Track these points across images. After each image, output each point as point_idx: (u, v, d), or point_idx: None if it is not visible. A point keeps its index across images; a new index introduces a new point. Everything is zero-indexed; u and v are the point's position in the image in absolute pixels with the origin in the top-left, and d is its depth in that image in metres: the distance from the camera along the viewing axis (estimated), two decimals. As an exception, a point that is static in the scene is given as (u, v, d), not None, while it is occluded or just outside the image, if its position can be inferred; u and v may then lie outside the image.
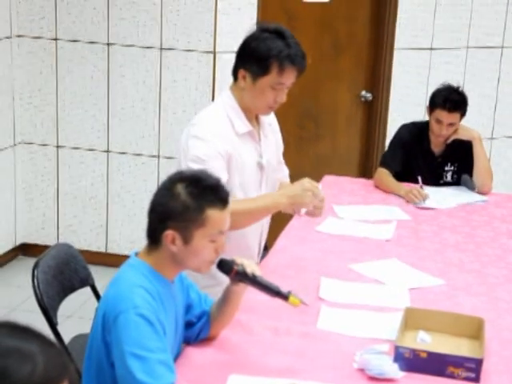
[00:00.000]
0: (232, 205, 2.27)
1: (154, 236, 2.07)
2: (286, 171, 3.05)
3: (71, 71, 4.69)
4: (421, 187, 3.79)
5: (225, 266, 2.19)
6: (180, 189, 2.03)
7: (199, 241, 2.03)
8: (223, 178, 2.52)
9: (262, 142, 2.80)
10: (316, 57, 4.83)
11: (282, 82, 2.61)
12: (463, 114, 3.88)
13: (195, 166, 2.51)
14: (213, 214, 2.03)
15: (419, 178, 3.83)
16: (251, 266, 2.19)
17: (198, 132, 2.62)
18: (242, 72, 2.63)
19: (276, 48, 2.57)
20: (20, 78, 4.74)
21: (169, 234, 2.02)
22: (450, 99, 3.82)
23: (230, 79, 4.51)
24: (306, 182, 2.57)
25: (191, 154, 2.59)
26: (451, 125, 3.86)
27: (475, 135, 3.92)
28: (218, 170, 2.51)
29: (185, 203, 2.01)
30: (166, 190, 2.07)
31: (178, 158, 2.70)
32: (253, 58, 2.59)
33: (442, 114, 3.84)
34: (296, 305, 2.18)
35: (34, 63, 4.72)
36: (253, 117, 2.75)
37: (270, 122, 2.88)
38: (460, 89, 3.93)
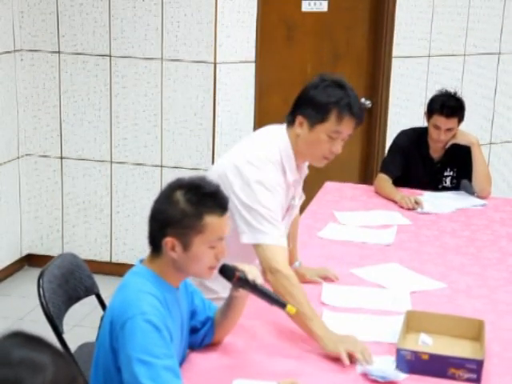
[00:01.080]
0: (303, 296, 2.35)
1: (155, 243, 2.09)
2: (297, 210, 2.94)
3: (74, 83, 4.74)
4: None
5: (227, 272, 2.22)
6: (179, 196, 2.05)
7: (199, 247, 2.06)
8: (282, 230, 2.55)
9: (298, 187, 2.78)
10: (315, 65, 4.89)
11: (339, 131, 2.56)
12: (461, 119, 3.92)
13: (263, 211, 2.49)
14: (212, 220, 2.05)
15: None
16: (252, 273, 2.22)
17: (263, 179, 2.54)
18: (299, 118, 2.59)
19: (336, 96, 2.55)
20: (23, 91, 4.79)
21: (168, 241, 2.04)
22: (447, 105, 3.86)
23: (230, 88, 4.59)
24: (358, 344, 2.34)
25: (257, 200, 2.51)
26: (449, 130, 3.89)
27: (473, 140, 3.96)
28: (279, 220, 2.54)
29: (184, 210, 2.03)
30: (165, 197, 2.08)
31: (219, 179, 2.53)
32: (312, 105, 2.56)
33: (440, 120, 3.88)
34: (292, 313, 2.21)
35: (37, 76, 4.77)
36: (300, 164, 2.72)
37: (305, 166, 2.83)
38: (457, 94, 3.97)
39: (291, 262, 2.87)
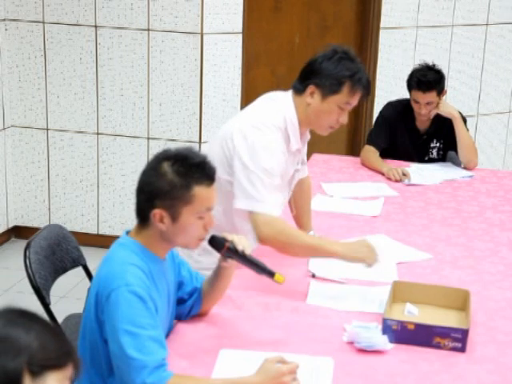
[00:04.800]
0: (302, 236, 2.51)
1: (143, 215, 2.08)
2: (306, 172, 3.03)
3: (59, 54, 4.70)
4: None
5: (216, 243, 2.22)
6: (166, 167, 2.04)
7: (187, 218, 2.05)
8: (281, 192, 2.61)
9: (301, 153, 2.84)
10: (303, 36, 4.87)
11: (349, 103, 2.64)
12: (440, 91, 3.91)
13: (263, 177, 2.52)
14: (200, 191, 2.05)
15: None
16: (242, 243, 2.22)
17: (267, 143, 2.57)
18: (311, 88, 2.62)
19: (350, 69, 2.61)
20: (8, 61, 4.74)
21: (157, 212, 2.04)
22: (423, 80, 3.86)
23: (217, 59, 4.57)
24: (372, 249, 2.51)
25: (258, 163, 2.54)
26: (429, 104, 3.90)
27: (455, 113, 3.95)
28: (278, 186, 2.58)
29: (171, 181, 2.03)
30: (152, 169, 2.07)
31: (222, 152, 2.62)
32: (325, 76, 2.60)
33: (418, 95, 3.89)
34: (280, 282, 2.22)
35: (21, 47, 4.72)
36: (304, 132, 2.75)
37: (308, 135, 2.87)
38: (436, 66, 3.95)
39: (303, 230, 2.91)
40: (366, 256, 2.47)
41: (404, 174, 3.76)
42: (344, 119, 2.68)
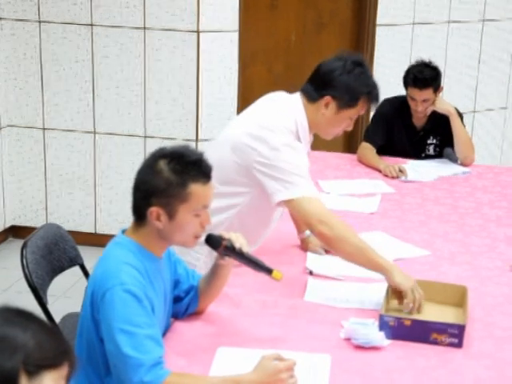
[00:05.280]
0: (360, 243, 2.45)
1: (139, 213, 2.09)
2: None
3: (55, 53, 4.69)
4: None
5: (213, 241, 2.21)
6: (162, 165, 2.04)
7: (183, 216, 2.05)
8: (313, 184, 2.61)
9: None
10: (299, 34, 4.87)
11: (360, 114, 2.73)
12: (436, 88, 3.91)
13: (291, 167, 2.53)
14: (196, 188, 2.05)
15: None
16: (239, 241, 2.22)
17: (289, 142, 2.58)
18: (327, 99, 2.64)
19: (369, 86, 2.66)
20: (4, 60, 4.74)
21: (153, 210, 2.04)
22: (419, 77, 3.87)
23: (214, 57, 4.56)
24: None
25: (283, 160, 2.53)
26: (425, 101, 3.90)
27: (451, 110, 3.96)
28: (309, 177, 2.60)
29: (168, 179, 2.03)
30: (148, 167, 2.07)
31: (238, 155, 2.59)
32: (344, 90, 2.63)
33: (414, 92, 3.89)
34: (278, 279, 2.22)
35: (17, 46, 4.71)
36: (310, 135, 2.77)
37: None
38: (432, 63, 3.96)
39: (300, 230, 2.91)
40: (414, 287, 2.37)
41: (401, 171, 3.77)
42: (350, 127, 2.75)
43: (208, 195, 2.09)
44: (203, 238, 2.19)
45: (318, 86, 2.67)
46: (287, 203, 2.55)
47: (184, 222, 2.06)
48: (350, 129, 2.75)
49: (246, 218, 2.65)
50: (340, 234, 2.48)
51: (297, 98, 2.69)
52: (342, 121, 2.68)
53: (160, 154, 2.08)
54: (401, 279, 2.37)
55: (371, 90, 2.66)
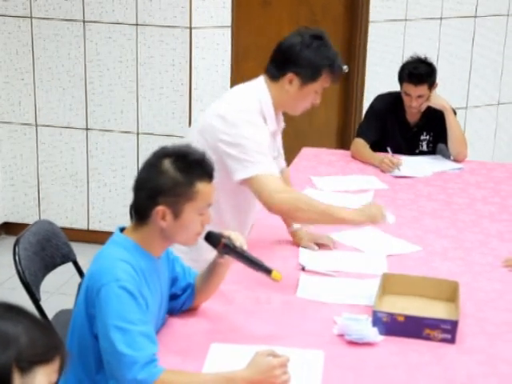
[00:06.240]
0: (304, 195, 2.53)
1: (142, 213, 2.08)
2: (283, 163, 3.06)
3: (47, 49, 4.68)
4: (391, 156, 3.85)
5: (213, 239, 2.21)
6: (167, 164, 2.04)
7: (189, 215, 2.06)
8: (272, 161, 2.63)
9: (277, 139, 2.87)
10: (292, 30, 4.83)
11: (324, 87, 2.73)
12: (431, 84, 3.92)
13: (251, 144, 2.56)
14: (202, 187, 2.06)
15: (389, 149, 3.89)
16: (239, 240, 2.22)
17: (248, 117, 2.62)
18: (290, 76, 2.67)
19: (329, 58, 2.67)
20: (-4, 57, 4.73)
21: (160, 209, 2.03)
22: (414, 73, 3.87)
23: (206, 54, 4.55)
24: (381, 208, 2.67)
25: (243, 136, 2.58)
26: (420, 97, 3.91)
27: (446, 105, 3.96)
28: (269, 153, 2.61)
29: (175, 178, 2.03)
30: (152, 166, 2.07)
31: (203, 138, 2.65)
32: (305, 65, 2.65)
33: (409, 88, 3.89)
34: (277, 280, 2.22)
35: (9, 42, 4.70)
36: (278, 114, 2.79)
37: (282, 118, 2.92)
38: (427, 59, 3.96)
39: (289, 224, 2.92)
40: (374, 216, 2.60)
41: (394, 163, 3.76)
42: (318, 101, 2.76)
43: (212, 193, 2.11)
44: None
45: (279, 64, 2.71)
46: (246, 182, 2.58)
47: (189, 221, 2.07)
48: (317, 102, 2.76)
49: (222, 204, 2.67)
50: (299, 204, 2.55)
51: (260, 79, 2.75)
52: (307, 96, 2.71)
53: (163, 153, 2.08)
54: (368, 220, 2.59)
55: (332, 62, 2.68)
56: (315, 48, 2.66)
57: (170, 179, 2.03)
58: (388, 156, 3.84)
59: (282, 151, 3.02)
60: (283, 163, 3.04)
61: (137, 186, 2.10)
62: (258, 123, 2.64)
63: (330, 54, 2.68)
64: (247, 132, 2.59)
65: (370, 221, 2.61)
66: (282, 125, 2.89)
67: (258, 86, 2.72)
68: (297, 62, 2.66)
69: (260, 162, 2.56)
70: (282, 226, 2.98)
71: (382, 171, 3.79)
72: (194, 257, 2.56)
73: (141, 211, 2.09)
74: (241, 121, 2.60)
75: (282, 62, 2.69)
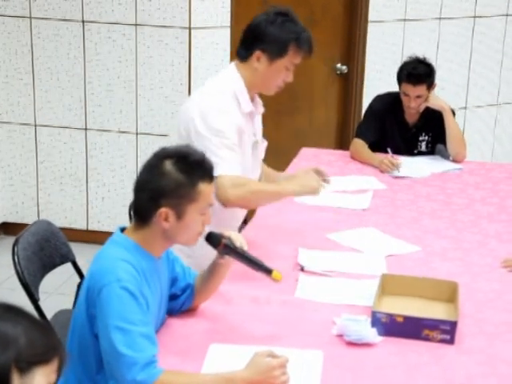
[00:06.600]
0: (253, 183, 2.57)
1: (144, 214, 2.07)
2: (262, 154, 3.07)
3: (46, 50, 4.68)
4: (391, 157, 3.85)
5: (213, 240, 2.21)
6: (169, 165, 2.04)
7: (191, 215, 2.06)
8: (238, 152, 2.66)
9: (255, 121, 2.88)
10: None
11: (295, 63, 2.73)
12: (430, 84, 3.92)
13: (214, 139, 2.60)
14: (204, 187, 2.06)
15: (389, 150, 3.89)
16: (239, 240, 2.22)
17: (215, 104, 2.67)
18: (257, 53, 2.70)
19: (294, 32, 2.69)
20: (-5, 57, 4.73)
21: (163, 212, 2.03)
22: (413, 73, 3.87)
23: (206, 54, 4.55)
24: (317, 173, 2.76)
25: (210, 125, 2.63)
26: (418, 97, 3.91)
27: (444, 106, 3.97)
28: (235, 143, 2.65)
29: (177, 180, 2.03)
30: (153, 168, 2.07)
31: (182, 128, 2.72)
32: (271, 41, 2.68)
33: (408, 88, 3.89)
34: (278, 280, 2.22)
35: (8, 42, 4.69)
36: (252, 96, 2.81)
37: (260, 102, 2.94)
38: (426, 60, 3.97)
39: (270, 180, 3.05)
40: (313, 189, 2.69)
41: (394, 164, 3.76)
42: (291, 78, 2.77)
43: (212, 193, 2.12)
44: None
45: (246, 44, 2.75)
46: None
47: (191, 221, 2.07)
48: (289, 80, 2.76)
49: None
50: (249, 196, 2.62)
51: (231, 64, 2.80)
52: (277, 72, 2.72)
53: (164, 155, 2.08)
54: (302, 190, 2.69)
55: (299, 36, 2.69)
56: (280, 23, 2.69)
57: (173, 181, 2.03)
58: (388, 157, 3.84)
59: (265, 141, 3.02)
60: (262, 153, 3.03)
61: (138, 187, 2.10)
62: (227, 109, 2.67)
63: (296, 29, 2.70)
64: (214, 121, 2.63)
65: (310, 192, 2.71)
66: (261, 109, 2.91)
67: (229, 71, 2.77)
68: (262, 38, 2.69)
69: (223, 159, 2.58)
70: (281, 227, 2.98)
71: (381, 171, 3.79)
72: (189, 252, 2.56)
73: (142, 213, 2.08)
74: (209, 109, 2.64)
75: (249, 41, 2.73)
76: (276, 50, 2.68)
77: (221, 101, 2.68)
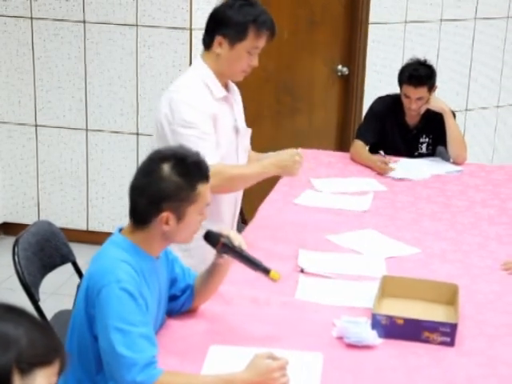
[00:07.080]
0: (228, 169, 2.60)
1: (144, 218, 2.07)
2: (247, 141, 3.08)
3: (48, 50, 4.68)
4: (384, 157, 3.86)
5: (211, 238, 2.22)
6: (167, 169, 2.03)
7: (191, 216, 2.07)
8: (213, 140, 2.69)
9: (234, 107, 2.90)
10: (291, 31, 4.86)
11: (257, 46, 2.75)
12: (431, 86, 3.92)
13: (185, 131, 2.64)
14: (203, 188, 2.07)
15: (381, 152, 3.90)
16: (238, 239, 2.22)
17: (182, 97, 2.71)
18: (218, 39, 2.73)
19: (252, 14, 2.71)
20: (-4, 57, 4.72)
21: (164, 216, 2.03)
22: (415, 75, 3.87)
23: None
24: (295, 154, 2.76)
25: (180, 118, 2.67)
26: (419, 99, 3.91)
27: (445, 108, 3.97)
28: (207, 133, 2.67)
29: (177, 183, 2.03)
30: (151, 172, 2.06)
31: (158, 126, 2.75)
32: (230, 25, 2.71)
33: (409, 90, 3.90)
34: (276, 280, 2.22)
35: (9, 42, 4.69)
36: (224, 83, 2.84)
37: (236, 90, 2.99)
38: (427, 62, 3.97)
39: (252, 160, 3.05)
40: (290, 169, 2.74)
41: (386, 162, 3.78)
42: (255, 62, 2.79)
43: (209, 193, 2.12)
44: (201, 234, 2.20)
45: (208, 31, 2.78)
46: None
47: (191, 222, 2.08)
48: (254, 64, 2.79)
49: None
50: (225, 183, 2.66)
51: (198, 56, 2.84)
52: (239, 56, 2.74)
53: (160, 157, 2.07)
54: (279, 169, 2.73)
55: (257, 18, 2.71)
56: (238, 7, 2.72)
57: (173, 185, 2.03)
58: (380, 158, 3.85)
59: (249, 130, 3.02)
60: (248, 141, 3.03)
61: (136, 191, 2.09)
62: (195, 100, 2.69)
63: (254, 11, 2.72)
64: (183, 113, 2.66)
65: (286, 173, 2.80)
66: (239, 98, 2.95)
67: (195, 63, 2.82)
68: (222, 23, 2.72)
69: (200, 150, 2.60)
70: (281, 228, 2.98)
71: (379, 174, 3.79)
72: (183, 246, 2.56)
73: (142, 216, 2.08)
74: (179, 102, 2.68)
75: (210, 28, 2.76)
76: (236, 34, 2.71)
77: (187, 95, 2.71)
